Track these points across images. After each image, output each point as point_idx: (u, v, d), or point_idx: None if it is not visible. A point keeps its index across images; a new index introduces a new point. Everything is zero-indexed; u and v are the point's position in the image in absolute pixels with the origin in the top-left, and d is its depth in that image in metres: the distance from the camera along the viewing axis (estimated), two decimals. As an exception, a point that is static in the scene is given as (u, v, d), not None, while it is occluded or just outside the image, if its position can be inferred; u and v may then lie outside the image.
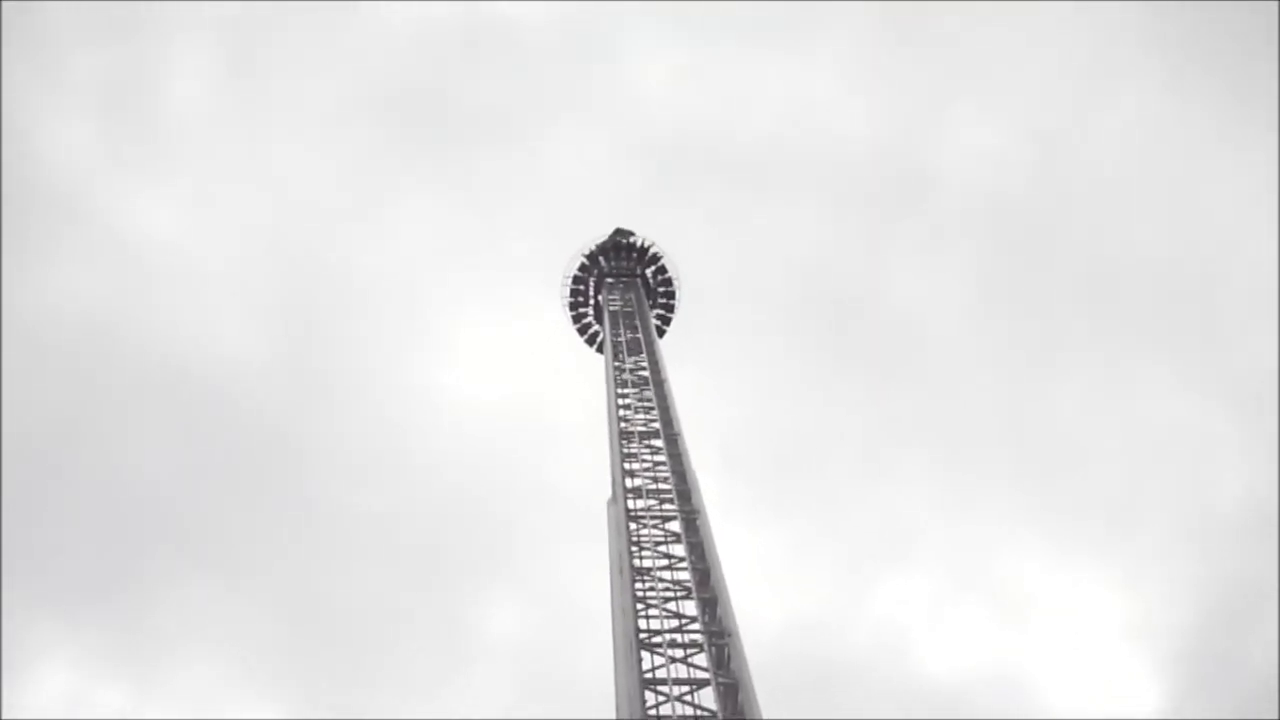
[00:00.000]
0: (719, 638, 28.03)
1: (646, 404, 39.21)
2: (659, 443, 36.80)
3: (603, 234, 54.85)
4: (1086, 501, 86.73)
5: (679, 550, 31.53)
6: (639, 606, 29.36)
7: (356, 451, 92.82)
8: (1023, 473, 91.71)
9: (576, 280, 53.99)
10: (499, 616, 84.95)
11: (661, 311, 53.26)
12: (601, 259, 53.96)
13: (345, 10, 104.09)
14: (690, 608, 29.51)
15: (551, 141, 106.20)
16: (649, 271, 53.84)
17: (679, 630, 28.90)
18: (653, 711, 25.76)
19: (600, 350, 50.32)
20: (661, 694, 26.16)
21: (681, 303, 54.16)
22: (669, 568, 31.01)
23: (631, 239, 54.28)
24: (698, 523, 32.41)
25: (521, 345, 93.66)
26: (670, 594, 30.05)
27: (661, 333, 51.73)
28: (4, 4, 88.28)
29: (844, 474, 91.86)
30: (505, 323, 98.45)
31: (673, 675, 26.69)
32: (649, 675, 26.82)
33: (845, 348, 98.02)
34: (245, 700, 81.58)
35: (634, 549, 31.61)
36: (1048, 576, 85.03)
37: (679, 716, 25.60)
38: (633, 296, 50.40)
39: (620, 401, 39.20)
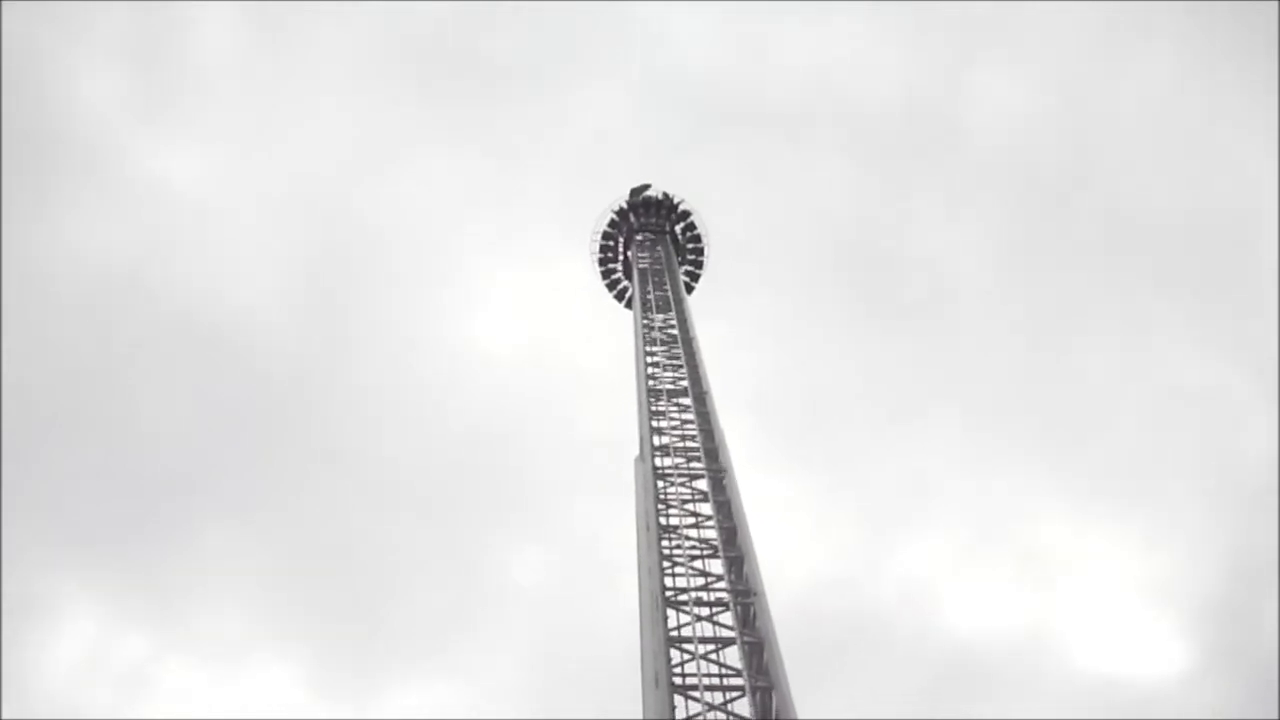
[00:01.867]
0: (745, 596, 28.16)
1: (675, 361, 39.20)
2: (687, 401, 36.86)
3: (631, 188, 54.69)
4: (1109, 462, 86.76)
5: (706, 509, 31.66)
6: (665, 565, 29.52)
7: (378, 400, 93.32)
8: (1045, 431, 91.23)
9: (606, 236, 53.90)
10: (520, 567, 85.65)
11: (690, 269, 53.11)
12: (631, 215, 53.79)
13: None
14: (716, 566, 29.68)
15: (580, 91, 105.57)
16: (679, 228, 53.63)
17: (705, 588, 29.05)
18: (678, 669, 25.99)
19: (629, 306, 50.30)
20: (687, 652, 26.38)
21: (710, 260, 54.05)
22: (696, 526, 31.14)
23: (663, 195, 53.97)
24: (725, 481, 32.49)
25: (549, 296, 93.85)
26: (696, 552, 30.21)
27: (690, 289, 51.58)
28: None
29: (870, 429, 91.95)
30: (533, 273, 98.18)
31: (698, 633, 26.89)
32: (674, 633, 27.05)
33: (871, 300, 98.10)
34: (266, 648, 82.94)
35: (661, 507, 31.78)
36: (1070, 537, 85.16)
37: (704, 674, 25.81)
38: (661, 253, 50.22)
39: (649, 359, 39.21)
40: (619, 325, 51.71)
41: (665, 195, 54.17)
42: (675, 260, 50.36)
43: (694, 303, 52.54)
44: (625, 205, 54.07)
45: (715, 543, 30.30)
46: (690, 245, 53.60)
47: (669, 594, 28.38)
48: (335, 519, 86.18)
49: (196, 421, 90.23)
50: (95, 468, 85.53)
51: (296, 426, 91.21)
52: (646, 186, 54.15)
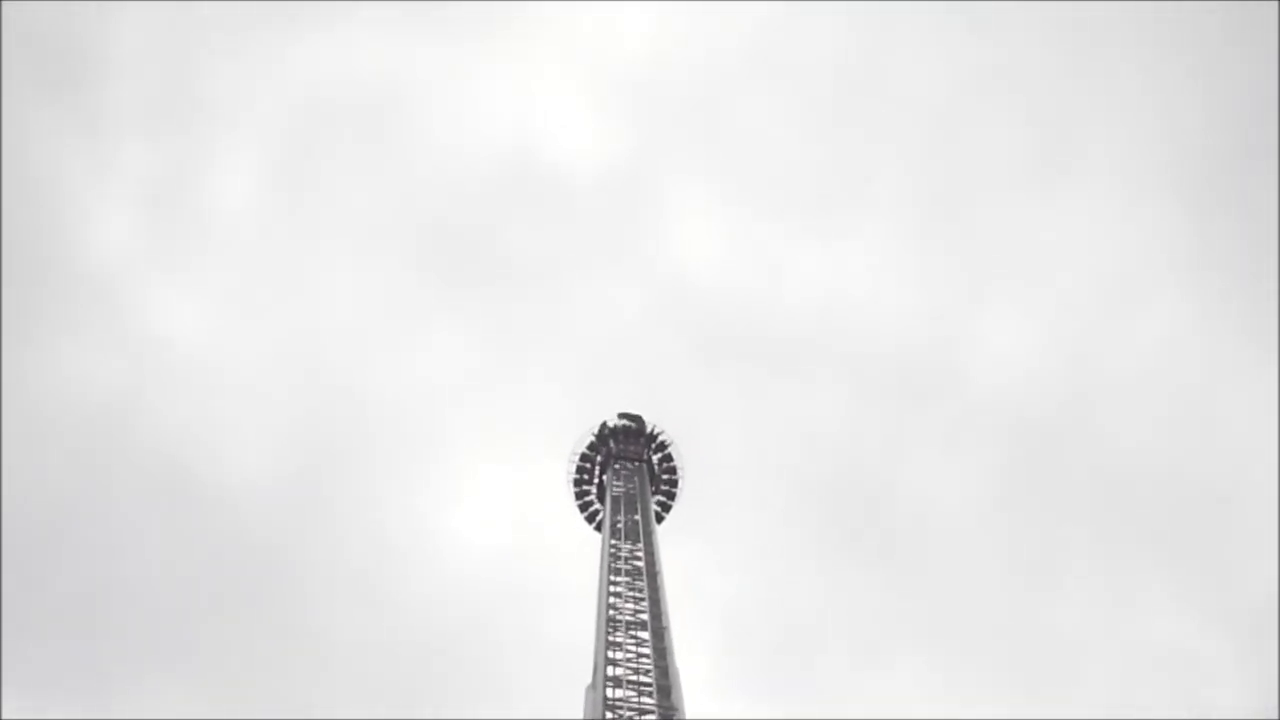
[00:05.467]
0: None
1: (638, 593, 39.73)
2: (645, 634, 37.29)
3: (616, 403, 56.26)
4: (1081, 710, 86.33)
5: (653, 747, 31.85)
6: (608, 800, 29.63)
7: (352, 578, 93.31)
8: (1017, 678, 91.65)
9: (584, 458, 54.96)
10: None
11: (663, 499, 54.05)
12: (611, 440, 55.04)
13: (397, 134, 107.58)
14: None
15: (586, 296, 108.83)
16: (656, 458, 54.87)
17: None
18: None
19: (599, 528, 51.05)
20: None
21: (684, 492, 55.01)
22: (642, 764, 31.33)
23: (642, 424, 55.40)
24: (675, 721, 32.76)
25: (529, 492, 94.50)
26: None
27: (661, 519, 52.46)
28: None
29: (839, 665, 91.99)
30: (516, 467, 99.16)
31: None
32: None
33: (856, 534, 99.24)
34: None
35: (608, 740, 31.94)
36: None
37: None
38: (636, 482, 51.31)
39: (612, 588, 39.72)
40: (591, 537, 52.47)
41: (645, 424, 55.45)
42: (649, 491, 51.32)
43: (671, 519, 53.97)
44: (606, 429, 55.34)
45: (659, 782, 30.45)
46: (665, 476, 54.70)
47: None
48: (295, 696, 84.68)
49: (168, 576, 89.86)
50: (57, 602, 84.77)
51: (267, 591, 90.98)
52: (634, 417, 55.58)
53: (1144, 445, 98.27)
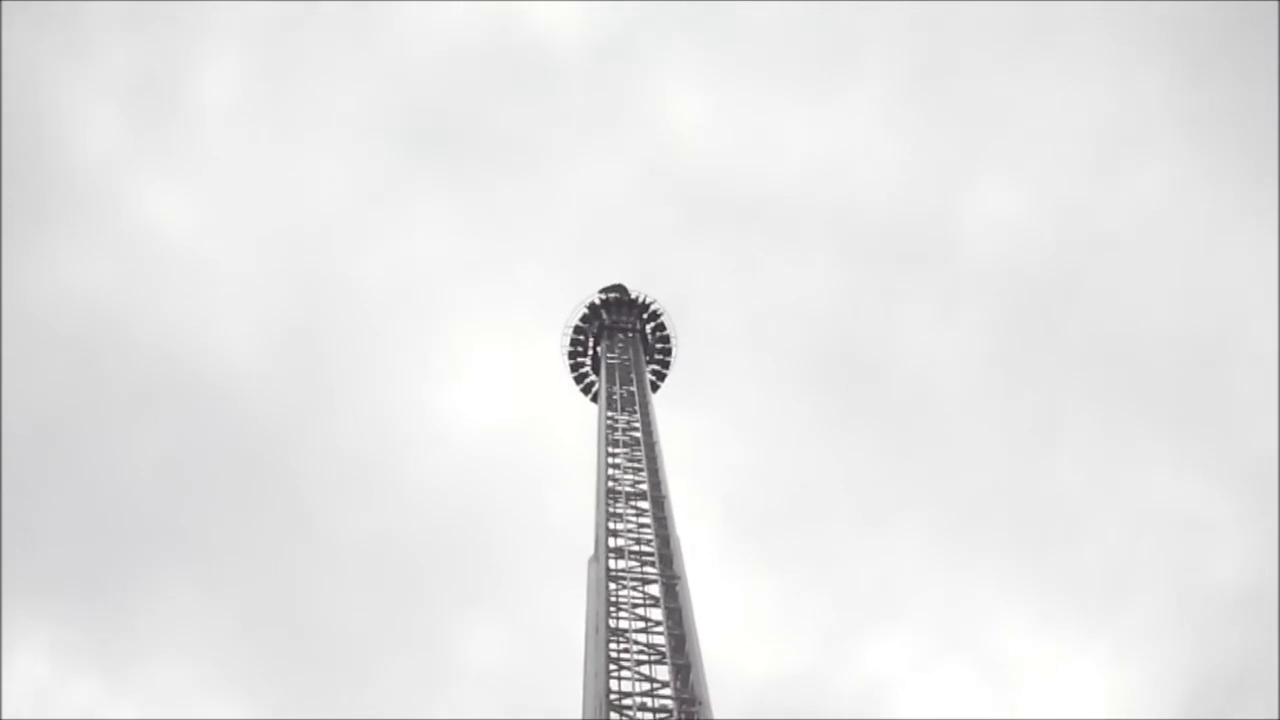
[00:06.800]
0: (689, 705, 28.47)
1: (636, 464, 39.71)
2: (645, 504, 37.31)
3: (610, 278, 55.67)
4: (1080, 574, 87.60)
5: (657, 614, 32.02)
6: (612, 668, 29.84)
7: (352, 466, 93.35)
8: (1018, 539, 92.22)
9: (577, 330, 54.64)
10: (481, 643, 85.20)
11: (657, 367, 53.89)
12: (603, 311, 54.61)
13: (379, 19, 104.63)
14: (663, 672, 30.03)
15: (576, 170, 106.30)
16: (649, 328, 54.52)
17: (650, 694, 29.41)
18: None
19: (596, 401, 50.93)
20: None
21: (678, 360, 54.79)
22: (645, 631, 31.49)
23: (635, 295, 54.93)
24: (677, 588, 32.86)
25: (526, 370, 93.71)
26: (644, 657, 30.55)
27: (656, 388, 52.33)
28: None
29: (842, 528, 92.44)
30: (512, 347, 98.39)
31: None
32: (617, 738, 27.31)
33: (853, 400, 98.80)
34: (214, 710, 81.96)
35: (611, 609, 32.09)
36: (1037, 646, 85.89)
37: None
38: (630, 353, 51.02)
39: (610, 460, 39.68)
40: (589, 412, 52.43)
41: (628, 293, 54.96)
42: (643, 360, 51.06)
43: (666, 392, 53.81)
44: (597, 301, 54.94)
45: (664, 649, 30.59)
46: (659, 345, 54.44)
47: (614, 698, 28.65)
48: (298, 584, 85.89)
49: (167, 473, 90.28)
50: (58, 509, 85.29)
51: (267, 484, 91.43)
52: (617, 287, 55.06)
53: (1142, 303, 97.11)
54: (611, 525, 35.77)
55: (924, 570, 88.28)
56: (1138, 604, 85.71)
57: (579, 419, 53.08)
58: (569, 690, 30.79)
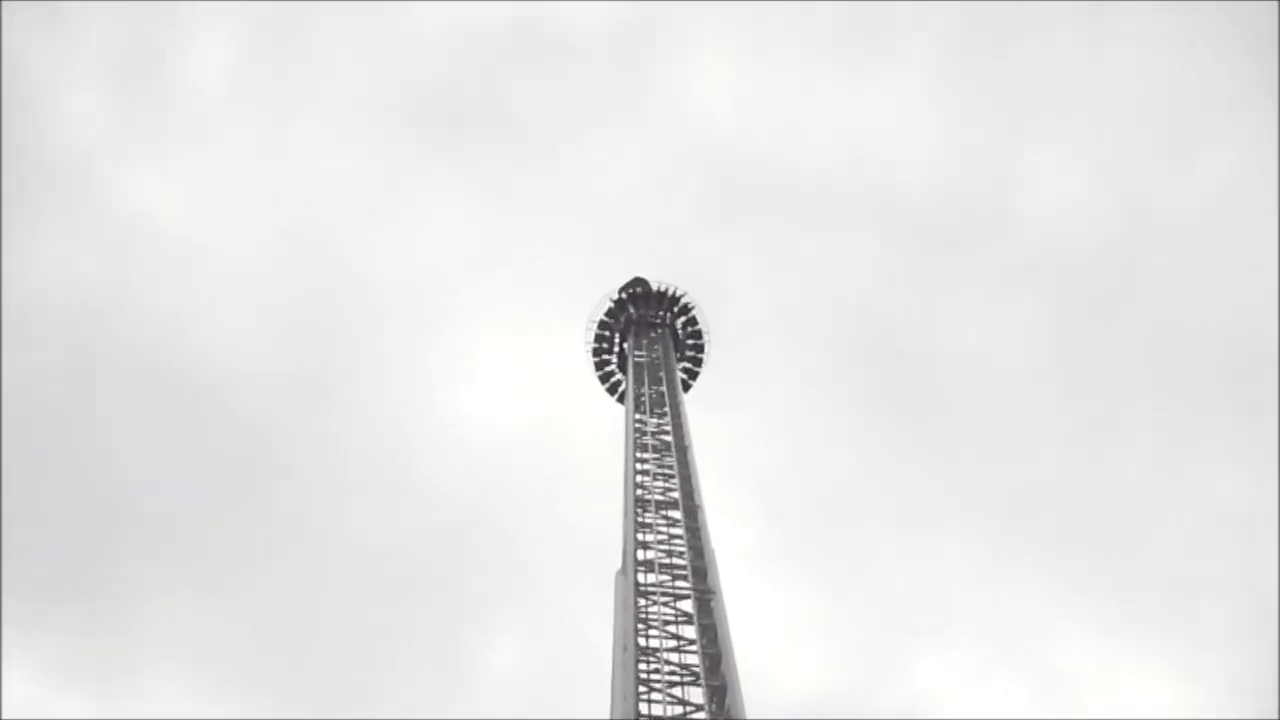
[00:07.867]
0: (726, 730, 26.64)
1: (667, 471, 37.57)
2: (677, 514, 35.18)
3: (633, 269, 53.27)
4: (1143, 580, 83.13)
5: (690, 632, 30.06)
6: (641, 690, 28.02)
7: (356, 467, 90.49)
8: (1074, 543, 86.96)
9: (602, 325, 52.44)
10: (498, 654, 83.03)
11: (689, 365, 51.68)
12: (630, 306, 52.43)
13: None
14: (697, 694, 28.18)
15: (597, 154, 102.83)
16: (679, 322, 52.30)
17: (683, 718, 27.71)
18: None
19: (622, 400, 48.87)
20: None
21: (710, 357, 52.31)
22: (677, 650, 29.58)
23: (664, 288, 52.69)
24: (712, 604, 30.87)
25: (544, 366, 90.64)
26: (676, 678, 28.66)
27: (688, 387, 50.14)
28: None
29: (884, 531, 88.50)
30: (529, 342, 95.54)
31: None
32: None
33: (896, 396, 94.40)
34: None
35: (641, 626, 30.20)
36: (1096, 659, 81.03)
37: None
38: (659, 349, 48.85)
39: (639, 467, 37.48)
40: (611, 410, 50.31)
41: (651, 286, 52.56)
42: (674, 358, 48.81)
43: (698, 388, 51.38)
44: (624, 295, 52.75)
45: (697, 669, 28.74)
46: (690, 341, 52.18)
47: (643, 722, 26.83)
48: (300, 593, 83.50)
49: (162, 475, 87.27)
50: (50, 514, 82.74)
51: (271, 486, 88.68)
52: (640, 281, 52.77)
53: (1206, 293, 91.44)
54: (641, 536, 33.75)
55: (971, 576, 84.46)
56: (1208, 612, 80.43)
57: (601, 417, 51.03)
58: (594, 708, 28.90)
